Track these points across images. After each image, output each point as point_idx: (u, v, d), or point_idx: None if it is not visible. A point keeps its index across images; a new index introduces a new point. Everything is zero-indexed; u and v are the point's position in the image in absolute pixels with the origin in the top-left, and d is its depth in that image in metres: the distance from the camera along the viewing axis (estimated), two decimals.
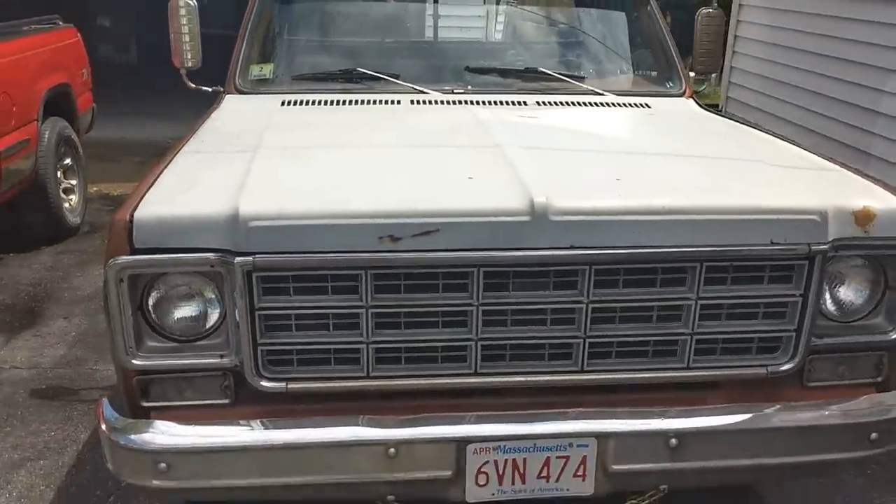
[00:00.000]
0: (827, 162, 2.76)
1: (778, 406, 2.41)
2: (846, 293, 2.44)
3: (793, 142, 3.05)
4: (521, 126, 3.04)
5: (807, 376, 2.47)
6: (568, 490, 2.35)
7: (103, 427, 2.26)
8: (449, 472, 2.28)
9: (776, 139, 3.09)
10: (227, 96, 3.59)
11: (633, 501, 2.50)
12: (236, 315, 2.17)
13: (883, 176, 4.90)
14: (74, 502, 3.24)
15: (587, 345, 2.33)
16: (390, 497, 2.33)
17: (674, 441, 2.32)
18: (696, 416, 2.36)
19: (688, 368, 2.39)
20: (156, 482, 2.21)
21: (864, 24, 5.12)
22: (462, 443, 2.27)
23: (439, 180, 2.40)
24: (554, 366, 2.36)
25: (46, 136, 6.51)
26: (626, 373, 2.38)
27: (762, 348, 2.41)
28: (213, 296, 2.21)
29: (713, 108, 7.87)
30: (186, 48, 3.75)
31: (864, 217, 2.32)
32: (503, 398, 2.39)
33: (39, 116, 6.39)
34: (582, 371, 2.36)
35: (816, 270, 2.29)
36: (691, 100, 3.74)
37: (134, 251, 2.11)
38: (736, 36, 7.10)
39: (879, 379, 2.52)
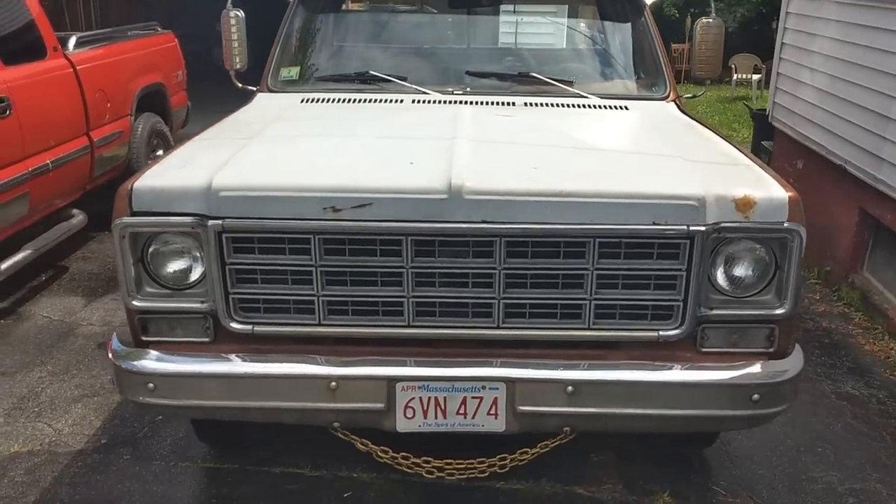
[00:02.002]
0: (745, 158, 3.10)
1: (666, 364, 2.79)
2: (739, 271, 2.79)
3: (732, 142, 3.38)
4: (490, 123, 3.49)
5: (700, 343, 2.84)
6: (483, 426, 2.81)
7: (110, 355, 2.86)
8: (381, 405, 2.77)
9: (717, 139, 3.43)
10: (259, 94, 4.18)
11: (545, 443, 2.94)
12: (211, 268, 2.72)
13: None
14: (116, 429, 3.90)
15: (502, 305, 2.77)
16: (336, 423, 2.85)
17: (570, 388, 2.74)
18: (591, 370, 2.77)
19: (588, 329, 2.80)
20: (146, 398, 2.80)
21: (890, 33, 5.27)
22: (392, 381, 2.76)
23: (385, 164, 2.89)
24: (476, 322, 2.81)
25: (140, 129, 7.34)
26: (537, 330, 2.81)
27: (656, 315, 2.79)
28: (199, 253, 2.77)
29: (762, 111, 8.04)
30: (235, 53, 4.39)
31: (744, 204, 2.68)
32: (436, 348, 2.86)
33: (133, 111, 7.21)
34: (499, 327, 2.80)
35: (697, 248, 2.66)
36: (673, 104, 4.08)
37: (133, 213, 2.70)
38: (783, 43, 7.24)
39: (771, 349, 2.86)
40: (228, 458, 3.67)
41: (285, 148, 3.13)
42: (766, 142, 7.93)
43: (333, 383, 2.74)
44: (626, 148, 3.26)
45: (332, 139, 3.26)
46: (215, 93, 11.11)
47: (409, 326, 2.81)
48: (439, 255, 2.73)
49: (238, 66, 4.41)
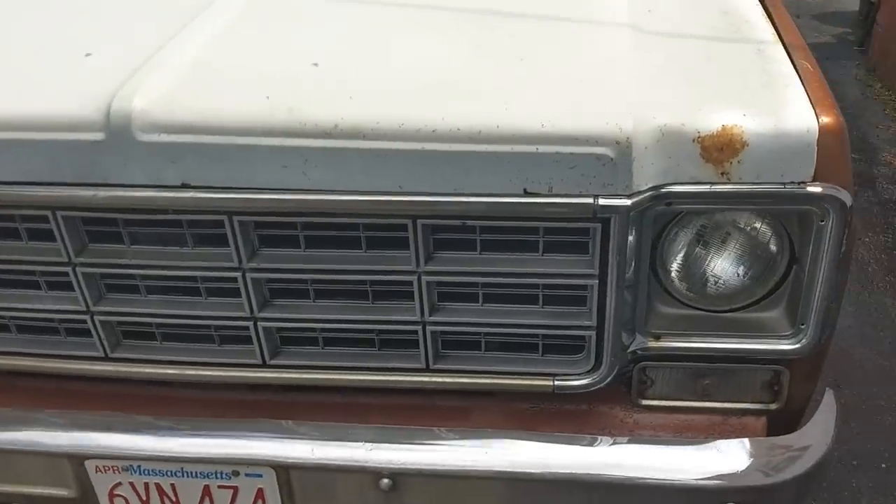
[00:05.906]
0: (757, 20, 1.61)
1: (574, 437, 1.49)
2: (717, 265, 1.42)
3: None
4: None
5: (638, 390, 1.52)
6: None
7: None
8: (69, 492, 1.60)
9: None
10: None
11: None
12: None
13: None
14: None
15: (264, 330, 1.50)
16: None
17: (386, 482, 1.49)
18: (423, 447, 1.49)
19: (428, 371, 1.51)
20: None
21: None
22: (77, 458, 1.56)
23: (40, 61, 1.54)
24: (228, 354, 1.56)
25: None
26: (330, 372, 1.54)
27: (553, 346, 1.48)
28: None
29: None
30: None
31: (719, 146, 1.26)
32: (172, 390, 1.63)
33: None
34: (264, 366, 1.54)
35: (618, 235, 1.30)
36: None
37: None
38: None
39: (773, 406, 1.52)
40: None
41: None
42: None
43: None
44: (523, 6, 1.75)
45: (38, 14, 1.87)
46: None
47: (106, 360, 1.57)
48: (135, 241, 1.45)
49: None
